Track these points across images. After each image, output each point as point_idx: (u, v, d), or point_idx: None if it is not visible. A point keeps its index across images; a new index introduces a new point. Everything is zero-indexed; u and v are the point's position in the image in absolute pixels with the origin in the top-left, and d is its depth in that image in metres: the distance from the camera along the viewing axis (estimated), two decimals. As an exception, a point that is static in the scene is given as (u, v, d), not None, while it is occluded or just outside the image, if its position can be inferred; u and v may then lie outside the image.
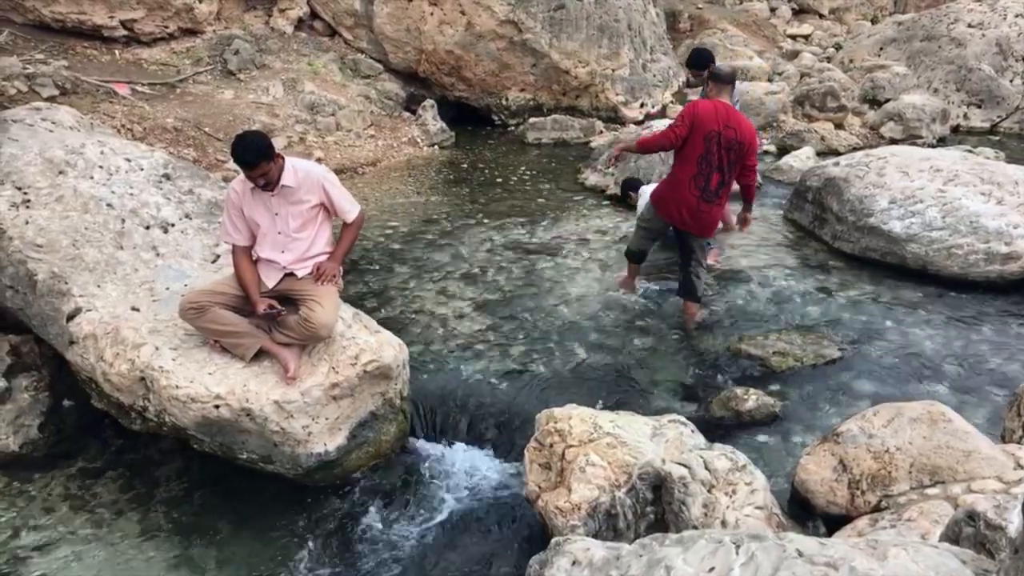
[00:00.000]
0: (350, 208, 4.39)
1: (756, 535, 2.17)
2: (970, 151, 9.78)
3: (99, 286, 4.58)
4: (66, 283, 4.51)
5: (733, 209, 6.43)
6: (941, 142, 11.83)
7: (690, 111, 5.33)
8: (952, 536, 2.43)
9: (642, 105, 13.33)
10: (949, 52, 13.92)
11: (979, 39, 13.80)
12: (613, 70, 13.02)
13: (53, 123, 5.72)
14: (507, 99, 13.19)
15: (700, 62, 6.55)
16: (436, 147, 11.91)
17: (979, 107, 13.52)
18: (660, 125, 9.52)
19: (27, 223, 4.72)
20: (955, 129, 13.07)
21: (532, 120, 12.67)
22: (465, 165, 11.03)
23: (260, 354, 4.17)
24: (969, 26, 14.00)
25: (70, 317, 4.42)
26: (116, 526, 4.13)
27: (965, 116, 13.49)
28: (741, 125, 5.31)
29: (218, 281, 4.39)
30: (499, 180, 10.22)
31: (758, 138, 11.55)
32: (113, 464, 4.61)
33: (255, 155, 3.93)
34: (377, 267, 7.01)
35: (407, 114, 12.65)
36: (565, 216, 8.54)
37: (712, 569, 2.09)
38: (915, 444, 3.51)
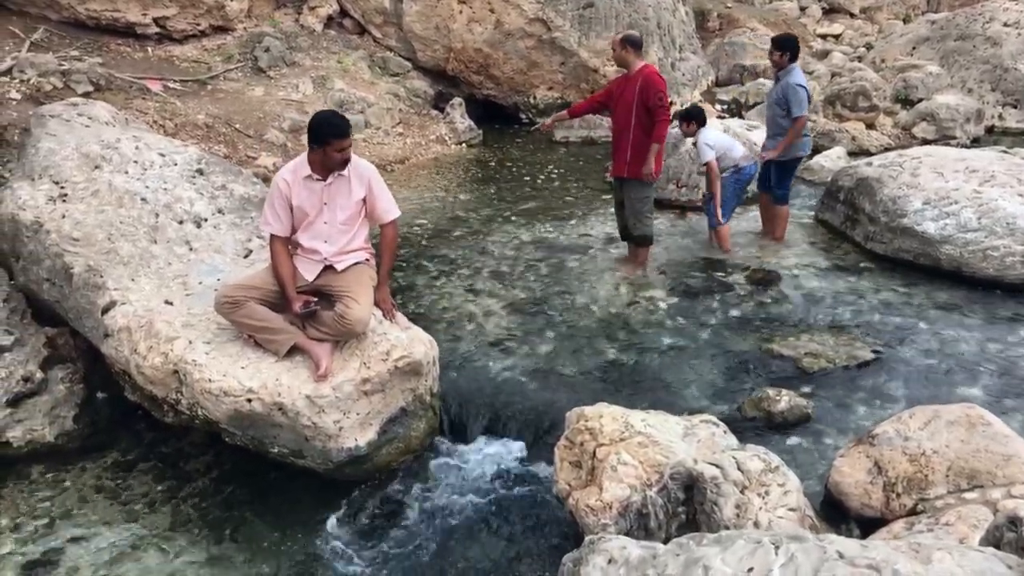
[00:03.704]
0: (391, 208, 4.43)
1: (796, 536, 2.14)
2: (1006, 151, 9.62)
3: (133, 280, 4.63)
4: (101, 276, 4.56)
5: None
6: (975, 143, 11.66)
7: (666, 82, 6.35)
8: (992, 541, 2.38)
9: (671, 104, 13.26)
10: (984, 51, 13.73)
11: (1015, 38, 13.59)
12: (642, 69, 12.99)
13: (89, 118, 5.79)
14: (535, 97, 13.20)
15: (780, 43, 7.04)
16: (464, 145, 11.93)
17: (1015, 107, 13.32)
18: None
19: (64, 217, 4.78)
20: (990, 130, 12.88)
21: (560, 118, 12.64)
22: (493, 163, 11.04)
23: (293, 350, 4.19)
24: (1005, 25, 13.79)
25: (105, 310, 4.47)
26: (148, 517, 4.16)
27: (1000, 116, 13.29)
28: None
29: (253, 275, 4.41)
30: (527, 178, 10.22)
31: None
32: (145, 456, 4.65)
33: (348, 125, 4.20)
34: (406, 264, 7.03)
35: (435, 112, 12.70)
36: (593, 214, 8.52)
37: (751, 570, 2.07)
38: (952, 447, 3.46)
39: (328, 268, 4.34)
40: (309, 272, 4.33)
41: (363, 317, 4.11)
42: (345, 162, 4.19)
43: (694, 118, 7.09)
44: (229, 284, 4.36)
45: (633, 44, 6.25)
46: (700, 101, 14.25)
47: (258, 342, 4.22)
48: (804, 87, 6.79)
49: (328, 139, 4.05)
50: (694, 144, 7.26)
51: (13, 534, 4.00)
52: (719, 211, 6.99)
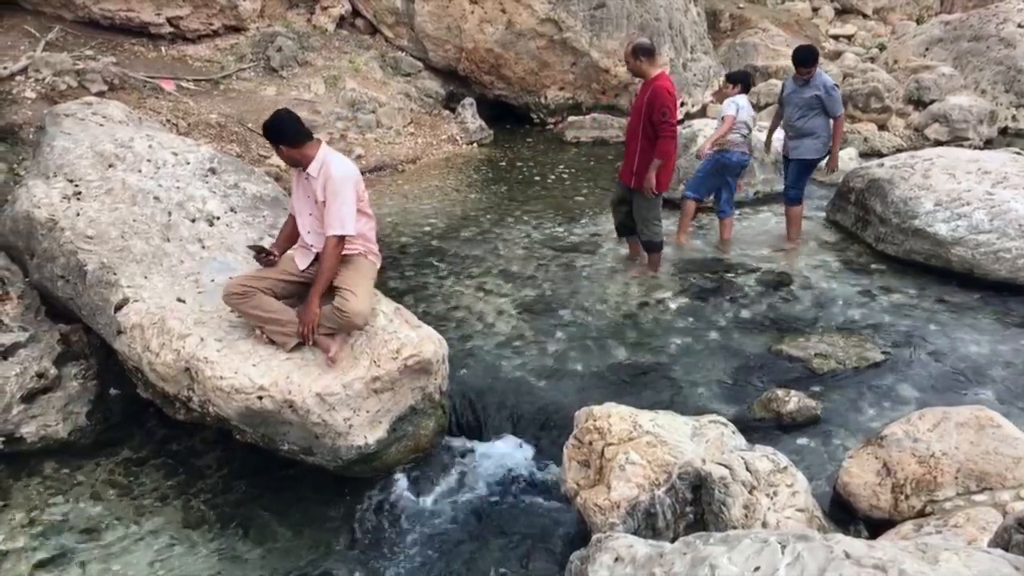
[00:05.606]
0: (332, 224, 4.14)
1: (802, 535, 2.15)
2: (1019, 153, 9.56)
3: (146, 277, 4.66)
4: (114, 274, 4.59)
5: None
6: (988, 144, 11.59)
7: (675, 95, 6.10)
8: (1001, 543, 2.38)
9: (682, 105, 13.25)
10: (998, 52, 13.64)
11: (1029, 39, 13.51)
12: (653, 69, 12.98)
13: (103, 117, 5.83)
14: (546, 98, 13.19)
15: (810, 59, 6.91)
16: (475, 145, 11.94)
17: (1029, 109, 13.24)
18: (699, 125, 9.46)
19: (78, 215, 4.82)
20: (1003, 131, 12.81)
21: (571, 119, 12.66)
22: (504, 163, 11.05)
23: (302, 344, 4.21)
24: (1019, 26, 13.71)
25: (118, 307, 4.50)
26: (159, 514, 4.19)
27: (1014, 118, 13.22)
28: None
29: (261, 267, 4.45)
30: (537, 178, 10.22)
31: None
32: (157, 453, 4.69)
33: (264, 129, 4.24)
34: (416, 263, 7.06)
35: (446, 112, 12.72)
36: (604, 214, 8.50)
37: (757, 569, 2.07)
38: (962, 449, 3.46)
39: (319, 258, 4.38)
40: (302, 261, 4.41)
41: (361, 309, 4.13)
42: (288, 162, 4.33)
43: (740, 82, 7.28)
44: (238, 275, 4.40)
45: (645, 52, 6.07)
46: (711, 102, 14.24)
47: (267, 334, 4.25)
48: (838, 86, 6.95)
49: None
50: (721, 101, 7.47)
51: (26, 529, 4.04)
52: (709, 146, 7.05)
